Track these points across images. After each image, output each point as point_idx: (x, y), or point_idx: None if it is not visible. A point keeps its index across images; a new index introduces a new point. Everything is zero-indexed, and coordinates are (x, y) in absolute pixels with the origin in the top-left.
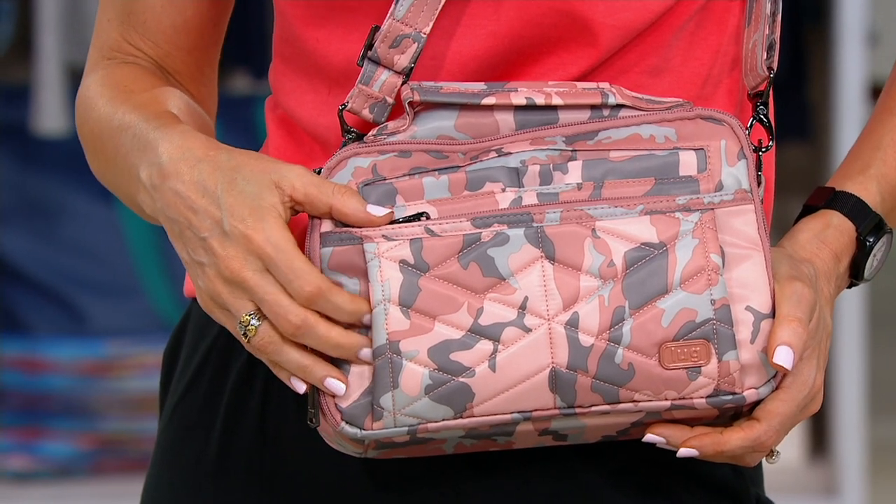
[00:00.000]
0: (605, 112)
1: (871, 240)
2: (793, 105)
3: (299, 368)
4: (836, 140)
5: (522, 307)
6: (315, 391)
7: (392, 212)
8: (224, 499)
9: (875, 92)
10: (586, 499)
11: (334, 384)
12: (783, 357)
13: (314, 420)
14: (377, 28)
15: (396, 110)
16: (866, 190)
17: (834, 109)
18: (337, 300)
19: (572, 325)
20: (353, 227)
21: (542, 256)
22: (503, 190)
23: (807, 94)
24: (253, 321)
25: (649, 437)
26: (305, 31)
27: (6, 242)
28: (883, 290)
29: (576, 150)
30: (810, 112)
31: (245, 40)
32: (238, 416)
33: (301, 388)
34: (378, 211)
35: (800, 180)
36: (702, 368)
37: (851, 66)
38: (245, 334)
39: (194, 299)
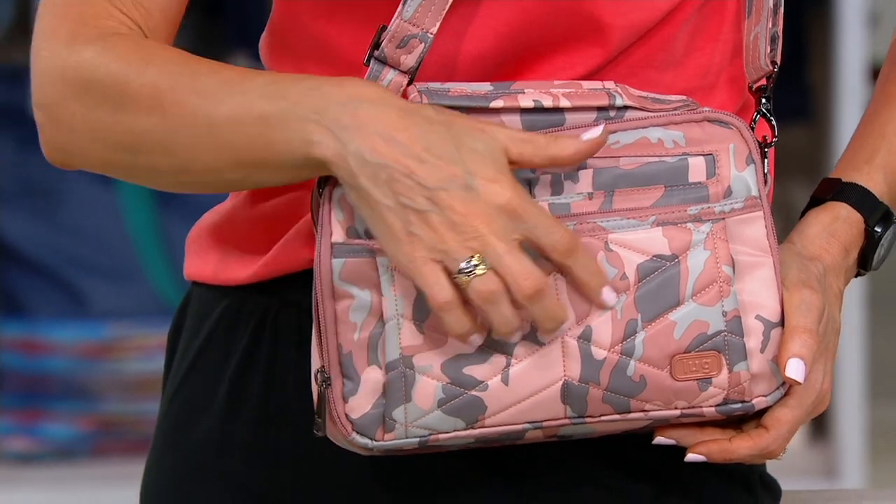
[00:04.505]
0: (612, 113)
1: (879, 230)
2: (793, 87)
3: (507, 323)
4: (837, 122)
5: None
6: (322, 400)
7: (606, 124)
8: (228, 480)
9: (876, 73)
10: (605, 496)
11: None
12: (794, 370)
13: (320, 429)
14: (384, 28)
15: None
16: (873, 180)
17: (835, 91)
18: (587, 260)
19: (585, 338)
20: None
21: (555, 269)
22: None
23: (807, 75)
24: (483, 264)
25: (659, 439)
26: (313, 24)
27: (6, 224)
28: (883, 273)
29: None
30: (811, 94)
31: (245, 22)
32: (240, 397)
33: (479, 341)
34: (595, 133)
35: (800, 162)
36: (713, 379)
37: (852, 47)
38: (470, 273)
39: (195, 283)
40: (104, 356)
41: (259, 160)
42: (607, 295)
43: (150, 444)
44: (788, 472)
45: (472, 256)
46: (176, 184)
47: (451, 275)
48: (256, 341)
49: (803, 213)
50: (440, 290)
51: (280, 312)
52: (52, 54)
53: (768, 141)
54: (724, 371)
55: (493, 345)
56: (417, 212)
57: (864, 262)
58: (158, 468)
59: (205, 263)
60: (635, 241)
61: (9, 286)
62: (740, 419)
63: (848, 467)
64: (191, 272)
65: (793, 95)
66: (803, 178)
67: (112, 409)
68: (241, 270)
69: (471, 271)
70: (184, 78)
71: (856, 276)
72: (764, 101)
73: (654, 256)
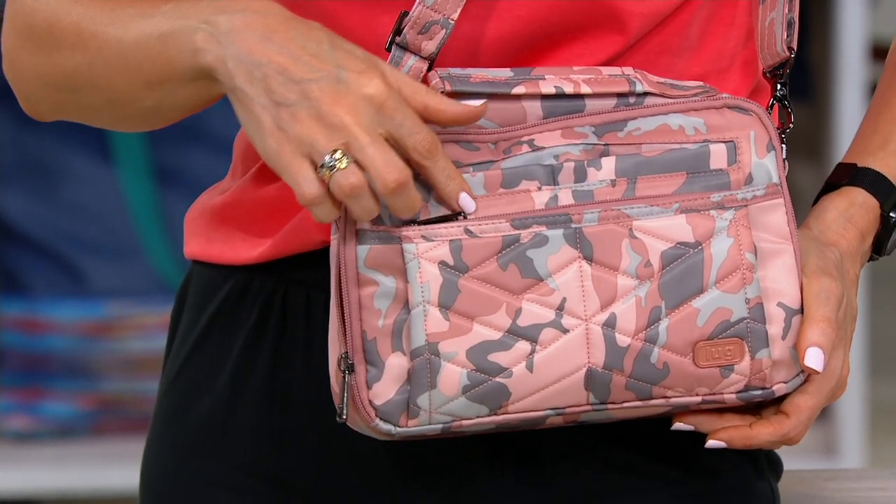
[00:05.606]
0: (632, 100)
1: (894, 216)
2: (794, 65)
3: (368, 213)
4: (838, 100)
5: (560, 308)
6: (346, 386)
7: (486, 102)
8: (232, 458)
9: (876, 52)
10: (623, 478)
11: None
12: (813, 360)
13: (343, 415)
14: (406, 14)
15: None
16: (888, 166)
17: (835, 69)
18: (446, 163)
19: (609, 325)
20: (448, 126)
21: (580, 257)
22: (539, 188)
23: (808, 53)
24: (345, 158)
25: (678, 425)
26: (320, 1)
27: (6, 203)
28: None
29: (608, 145)
30: (811, 72)
31: None
32: (246, 377)
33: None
34: (476, 102)
35: (801, 140)
36: (735, 366)
37: (852, 26)
38: (332, 167)
39: (195, 262)
40: (104, 335)
41: (162, 77)
42: (465, 201)
43: (151, 423)
44: (788, 451)
45: (336, 150)
46: (114, 119)
47: (317, 168)
48: (263, 320)
49: (817, 198)
50: (308, 186)
51: (288, 291)
52: (9, 4)
53: (784, 127)
54: (747, 358)
55: (518, 332)
56: (288, 107)
57: (877, 248)
58: (159, 447)
59: (209, 243)
60: (659, 229)
61: (9, 265)
62: (758, 405)
63: (848, 446)
64: (193, 251)
65: (793, 74)
66: (803, 156)
67: (112, 388)
68: (248, 250)
69: (333, 165)
70: (104, 12)
71: (869, 261)
72: (780, 87)
73: (678, 244)
